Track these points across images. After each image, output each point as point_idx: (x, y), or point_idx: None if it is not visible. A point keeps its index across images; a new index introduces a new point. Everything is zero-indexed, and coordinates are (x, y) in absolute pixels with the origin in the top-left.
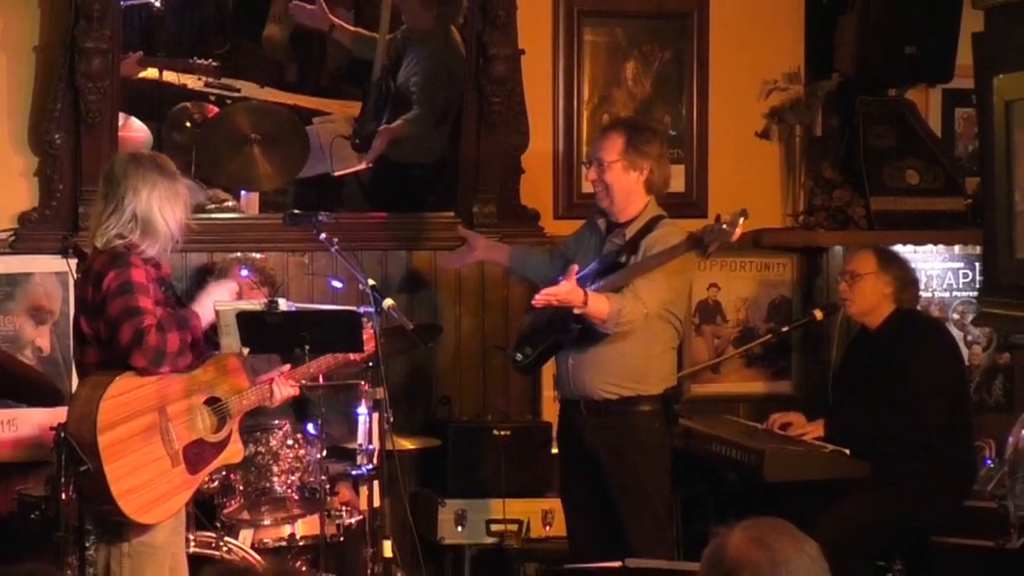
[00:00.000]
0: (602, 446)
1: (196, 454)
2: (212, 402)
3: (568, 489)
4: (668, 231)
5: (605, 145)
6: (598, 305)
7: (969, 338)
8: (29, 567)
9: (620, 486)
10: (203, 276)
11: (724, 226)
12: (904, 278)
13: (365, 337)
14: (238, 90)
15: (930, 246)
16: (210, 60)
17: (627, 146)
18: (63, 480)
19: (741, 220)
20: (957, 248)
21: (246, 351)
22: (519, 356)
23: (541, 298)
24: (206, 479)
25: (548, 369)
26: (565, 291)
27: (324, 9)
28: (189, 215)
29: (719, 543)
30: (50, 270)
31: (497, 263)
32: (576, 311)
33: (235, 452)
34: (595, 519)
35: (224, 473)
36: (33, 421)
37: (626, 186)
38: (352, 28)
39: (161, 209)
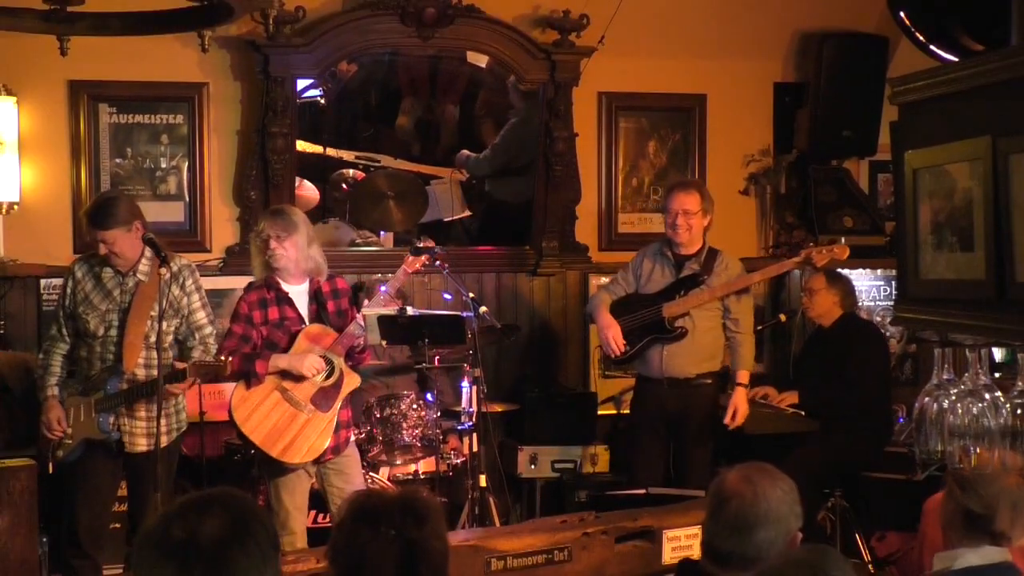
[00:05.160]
0: (678, 407)
1: (322, 398)
2: None
3: (639, 440)
4: (732, 258)
5: (689, 200)
6: (747, 375)
7: (888, 334)
8: (221, 488)
9: (690, 433)
10: (355, 291)
11: (836, 250)
12: (845, 290)
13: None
14: (379, 161)
15: (861, 270)
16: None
17: (703, 200)
18: None
19: (844, 244)
20: (880, 271)
21: (384, 343)
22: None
23: (737, 424)
24: (355, 429)
25: (593, 353)
26: (743, 411)
27: None
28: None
29: (719, 479)
30: None
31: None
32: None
33: (352, 382)
34: (656, 463)
35: (369, 428)
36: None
37: (701, 228)
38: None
39: None
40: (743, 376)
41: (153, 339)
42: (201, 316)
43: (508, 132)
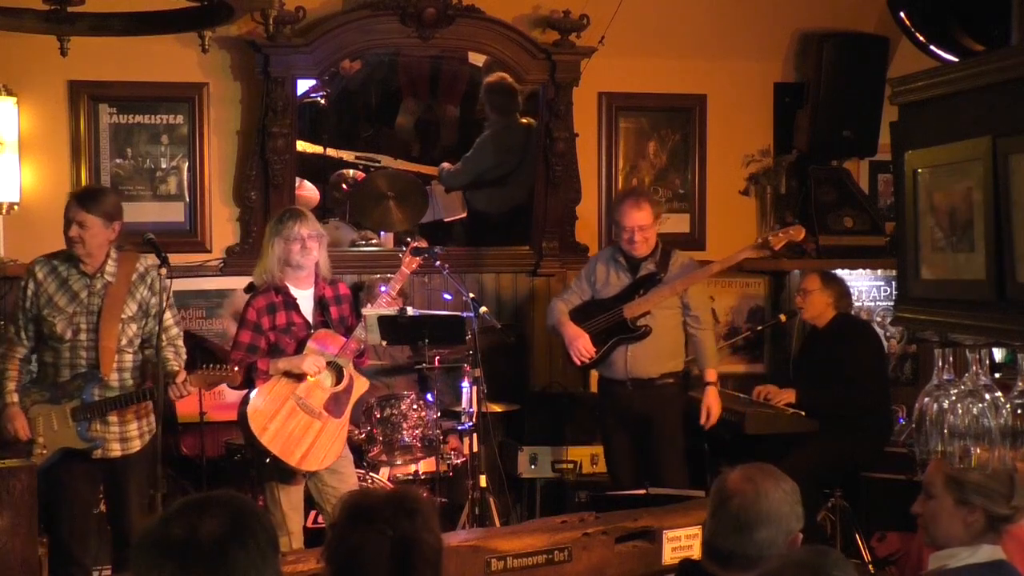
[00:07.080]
0: (645, 409)
1: (334, 404)
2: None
3: (611, 443)
4: (685, 254)
5: (641, 216)
6: (714, 373)
7: (888, 334)
8: (222, 492)
9: (659, 435)
10: (356, 291)
11: (791, 231)
12: (840, 291)
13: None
14: (379, 161)
15: (861, 270)
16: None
17: (653, 209)
18: None
19: (798, 224)
20: (880, 271)
21: (384, 343)
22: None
23: (712, 424)
24: (355, 429)
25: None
26: (716, 411)
27: None
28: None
29: (722, 477)
30: None
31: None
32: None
33: (361, 386)
34: (631, 463)
35: (369, 428)
36: (235, 392)
37: (655, 235)
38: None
39: None
40: (711, 375)
41: (124, 342)
42: (168, 317)
43: (480, 144)
